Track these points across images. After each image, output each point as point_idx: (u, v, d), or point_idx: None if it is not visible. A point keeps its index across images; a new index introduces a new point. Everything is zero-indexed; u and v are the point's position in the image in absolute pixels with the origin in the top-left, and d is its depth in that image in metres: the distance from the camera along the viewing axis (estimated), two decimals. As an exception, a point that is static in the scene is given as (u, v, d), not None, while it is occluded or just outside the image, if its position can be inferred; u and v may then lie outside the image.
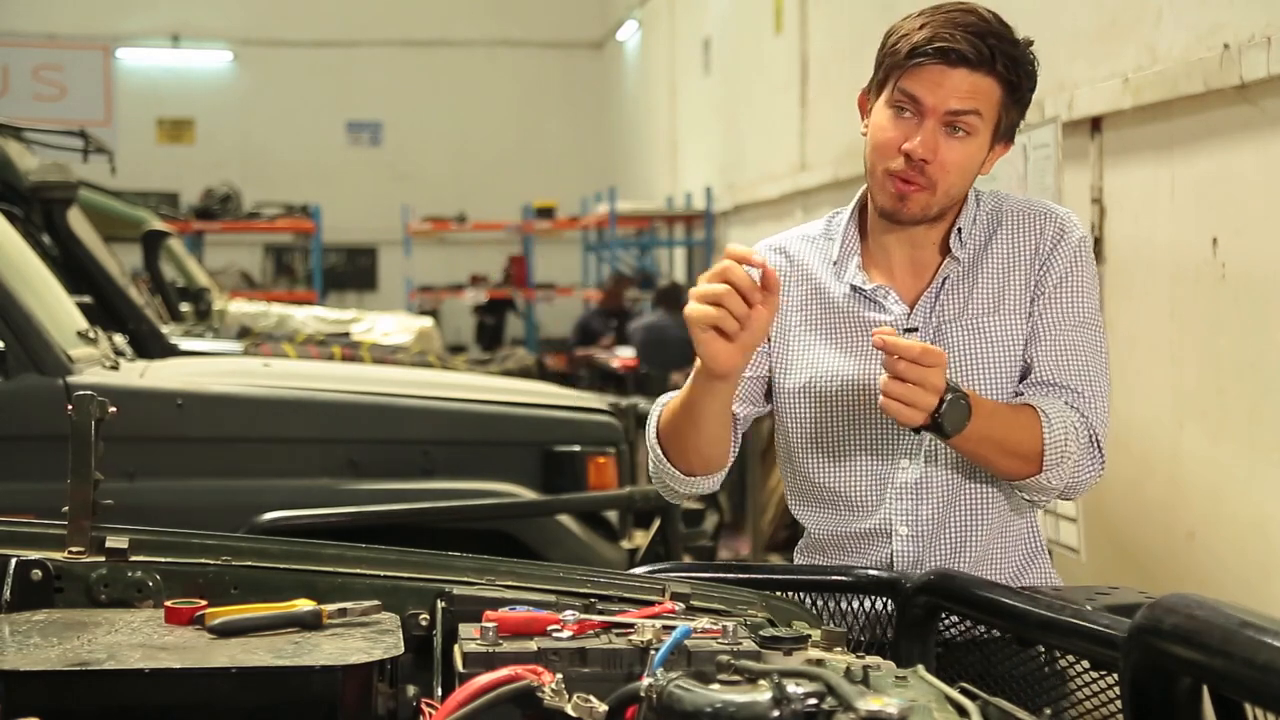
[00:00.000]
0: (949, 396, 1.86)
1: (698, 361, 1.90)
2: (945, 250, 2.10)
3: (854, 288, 2.10)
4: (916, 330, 2.06)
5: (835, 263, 2.12)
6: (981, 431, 1.92)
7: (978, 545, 2.09)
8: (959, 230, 2.08)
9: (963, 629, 1.89)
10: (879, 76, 2.04)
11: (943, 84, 1.96)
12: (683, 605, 1.54)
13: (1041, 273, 2.07)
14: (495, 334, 13.44)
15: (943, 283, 2.09)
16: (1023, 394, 2.07)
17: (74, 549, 1.56)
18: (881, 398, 1.87)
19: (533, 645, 1.36)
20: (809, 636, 1.41)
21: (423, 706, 1.41)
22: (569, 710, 1.23)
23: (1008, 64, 1.96)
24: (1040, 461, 1.98)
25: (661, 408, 2.09)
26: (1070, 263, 2.08)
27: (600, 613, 1.46)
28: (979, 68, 1.95)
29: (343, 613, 1.46)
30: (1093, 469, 2.05)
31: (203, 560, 1.57)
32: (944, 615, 1.86)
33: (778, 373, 2.15)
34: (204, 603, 1.47)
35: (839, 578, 1.98)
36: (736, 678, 1.15)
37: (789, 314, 2.13)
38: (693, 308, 1.82)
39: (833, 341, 2.11)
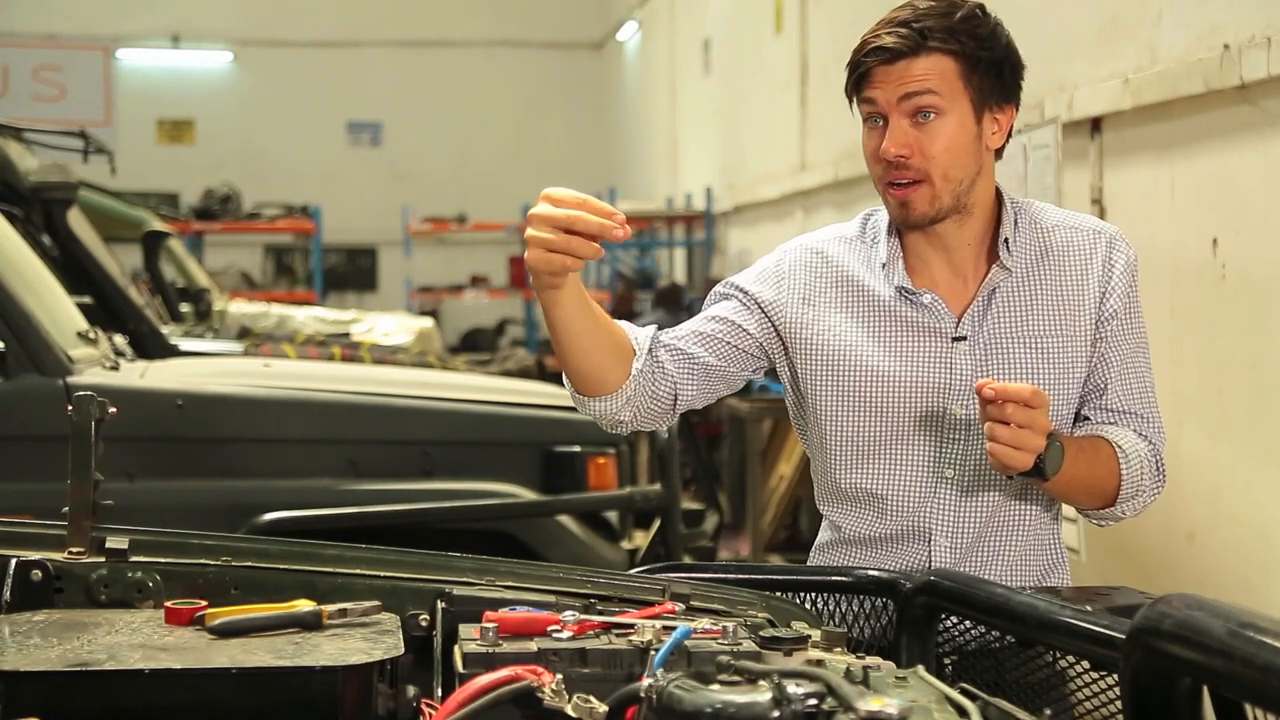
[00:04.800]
0: (1048, 439, 1.87)
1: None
2: (987, 257, 2.07)
3: (900, 289, 2.07)
4: (965, 339, 2.04)
5: (884, 266, 2.08)
6: (1070, 473, 1.92)
7: (1011, 555, 2.09)
8: (1005, 240, 2.05)
9: (962, 629, 1.89)
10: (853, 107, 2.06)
11: (888, 79, 1.97)
12: (683, 605, 1.54)
13: (1105, 295, 2.06)
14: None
15: (992, 292, 2.06)
16: (1089, 418, 2.07)
17: (74, 549, 1.56)
18: (989, 444, 1.86)
19: (533, 646, 1.36)
20: (809, 637, 1.41)
21: (423, 707, 1.41)
22: (569, 711, 1.23)
23: (944, 36, 1.95)
24: (1116, 497, 2.02)
25: None
26: (1129, 285, 2.08)
27: (600, 613, 1.46)
28: (916, 53, 1.96)
29: (343, 613, 1.46)
30: (1156, 492, 2.07)
31: (203, 560, 1.57)
32: (944, 616, 1.86)
33: (815, 370, 2.11)
34: (204, 603, 1.47)
35: (839, 578, 1.98)
36: (736, 678, 1.15)
37: (829, 313, 2.10)
38: (540, 233, 1.76)
39: (880, 342, 2.08)
